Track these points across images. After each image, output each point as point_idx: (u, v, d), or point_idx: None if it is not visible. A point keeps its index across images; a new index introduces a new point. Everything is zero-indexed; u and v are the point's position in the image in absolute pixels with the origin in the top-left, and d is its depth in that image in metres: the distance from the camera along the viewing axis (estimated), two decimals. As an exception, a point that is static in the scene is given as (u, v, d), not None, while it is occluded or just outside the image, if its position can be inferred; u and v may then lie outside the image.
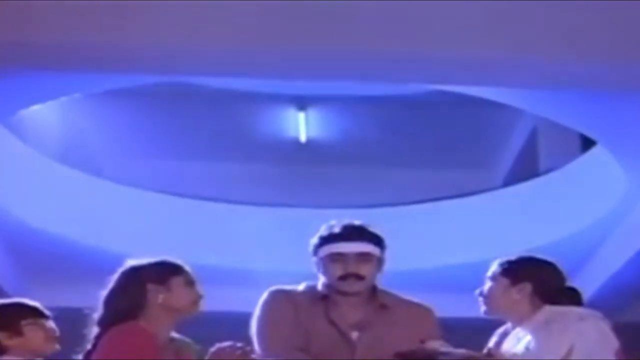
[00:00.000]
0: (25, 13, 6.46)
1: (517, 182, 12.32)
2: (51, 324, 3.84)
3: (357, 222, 3.95)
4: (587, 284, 10.54)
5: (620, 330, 3.63)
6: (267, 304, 3.91)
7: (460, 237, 11.24)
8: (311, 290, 3.97)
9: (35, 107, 9.03)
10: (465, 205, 11.92)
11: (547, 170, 12.05)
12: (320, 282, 3.96)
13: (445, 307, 5.39)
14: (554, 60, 6.84)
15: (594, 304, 3.71)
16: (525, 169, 13.19)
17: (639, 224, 9.83)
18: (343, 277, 3.85)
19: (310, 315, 3.87)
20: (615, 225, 10.27)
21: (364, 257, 3.87)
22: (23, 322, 3.76)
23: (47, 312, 3.86)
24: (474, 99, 9.19)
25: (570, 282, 3.81)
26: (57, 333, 3.82)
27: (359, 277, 3.86)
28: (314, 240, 3.95)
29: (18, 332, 3.74)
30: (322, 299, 3.91)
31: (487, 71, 7.10)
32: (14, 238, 10.41)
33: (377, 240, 3.94)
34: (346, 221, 3.95)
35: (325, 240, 3.92)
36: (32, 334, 3.76)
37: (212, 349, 3.58)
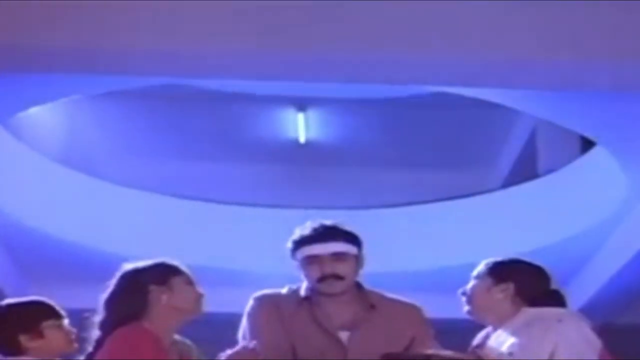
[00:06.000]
0: (25, 15, 6.45)
1: (517, 183, 12.31)
2: (67, 323, 3.80)
3: (328, 222, 3.94)
4: (587, 286, 10.57)
5: (620, 331, 3.63)
6: (251, 312, 3.93)
7: (459, 239, 11.23)
8: (294, 293, 3.97)
9: (35, 109, 9.03)
10: (464, 207, 11.91)
11: (547, 172, 12.04)
12: (304, 284, 3.96)
13: (444, 308, 5.38)
14: (553, 61, 6.83)
15: (594, 306, 3.72)
16: (525, 170, 13.18)
17: (639, 225, 9.83)
18: (321, 279, 3.86)
19: (297, 319, 3.87)
20: (615, 227, 10.26)
21: (339, 256, 3.87)
22: (44, 324, 3.72)
23: (62, 311, 3.82)
24: (473, 100, 9.19)
25: (556, 286, 3.77)
26: (75, 333, 3.78)
27: (338, 277, 3.86)
28: (288, 244, 3.95)
29: (39, 334, 3.70)
30: (306, 300, 3.91)
31: (486, 72, 7.09)
32: (14, 239, 10.40)
33: (351, 239, 3.93)
34: (318, 222, 3.94)
35: (299, 243, 3.91)
36: (52, 336, 3.72)
37: (223, 356, 3.59)
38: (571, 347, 3.46)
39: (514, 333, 3.57)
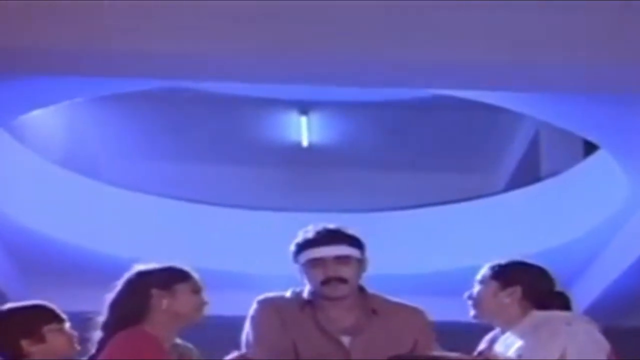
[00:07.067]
0: (27, 18, 6.45)
1: (519, 186, 12.30)
2: (69, 327, 3.81)
3: (331, 226, 3.94)
4: (590, 289, 10.56)
5: (622, 334, 3.62)
6: (254, 316, 3.93)
7: (462, 241, 11.22)
8: (297, 296, 3.96)
9: (37, 112, 9.03)
10: (467, 210, 11.91)
11: (549, 175, 12.04)
12: (306, 288, 3.96)
13: (447, 311, 5.38)
14: (556, 64, 6.82)
15: (596, 309, 3.72)
16: (527, 173, 13.18)
17: (642, 228, 9.83)
18: (325, 282, 3.86)
19: (299, 322, 3.87)
20: (617, 230, 10.26)
21: (342, 260, 3.87)
22: (45, 328, 3.72)
23: (63, 315, 3.83)
24: (476, 103, 9.18)
25: (560, 287, 3.77)
26: (77, 336, 3.79)
27: (341, 280, 3.85)
28: (292, 247, 3.95)
29: (40, 338, 3.70)
30: (309, 304, 3.91)
31: (489, 75, 7.08)
32: (15, 242, 10.40)
33: (354, 242, 3.93)
34: (321, 225, 3.95)
35: (302, 246, 3.91)
36: (54, 340, 3.72)
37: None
38: (580, 350, 3.46)
39: (522, 336, 3.57)
